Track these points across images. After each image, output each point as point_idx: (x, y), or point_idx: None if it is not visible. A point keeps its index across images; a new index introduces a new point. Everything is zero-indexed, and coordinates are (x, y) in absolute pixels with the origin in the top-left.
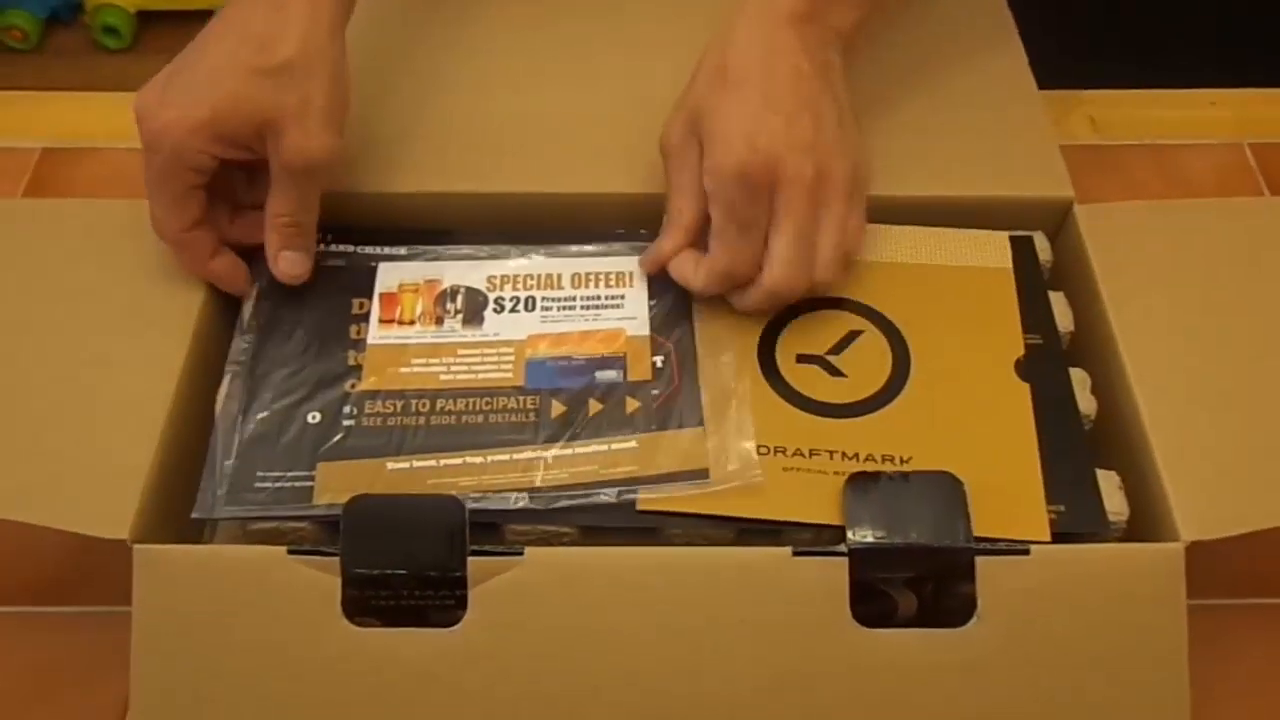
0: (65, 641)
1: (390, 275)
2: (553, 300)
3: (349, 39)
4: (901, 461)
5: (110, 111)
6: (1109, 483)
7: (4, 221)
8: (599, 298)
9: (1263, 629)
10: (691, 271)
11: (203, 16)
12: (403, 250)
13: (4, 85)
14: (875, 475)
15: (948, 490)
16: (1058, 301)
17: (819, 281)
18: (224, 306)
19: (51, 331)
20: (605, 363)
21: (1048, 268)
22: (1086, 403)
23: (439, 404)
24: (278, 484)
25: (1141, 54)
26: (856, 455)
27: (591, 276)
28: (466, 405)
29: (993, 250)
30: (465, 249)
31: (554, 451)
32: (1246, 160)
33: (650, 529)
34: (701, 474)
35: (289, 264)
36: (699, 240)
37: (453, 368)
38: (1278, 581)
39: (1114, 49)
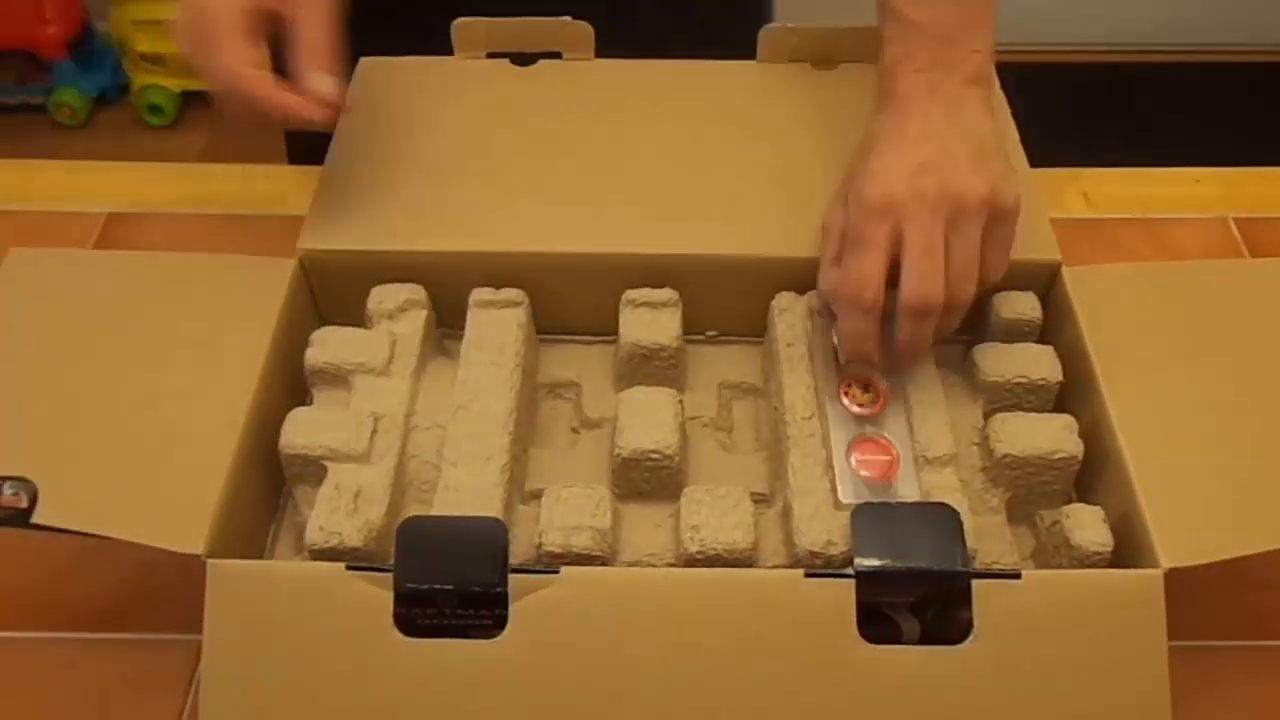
0: (120, 664)
1: None
2: None
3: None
4: None
5: (169, 180)
6: (1095, 517)
7: (81, 268)
8: None
9: (1254, 669)
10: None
11: None
12: None
13: (54, 159)
14: (881, 506)
15: (946, 520)
16: (1046, 353)
17: (954, 294)
18: (290, 341)
19: (129, 363)
20: None
21: (1038, 325)
22: (1074, 445)
23: None
24: None
25: (1133, 135)
26: None
27: None
28: None
29: None
30: None
31: None
32: (1231, 233)
33: None
34: None
35: (318, 82)
36: None
37: None
38: (1267, 624)
39: (1108, 130)
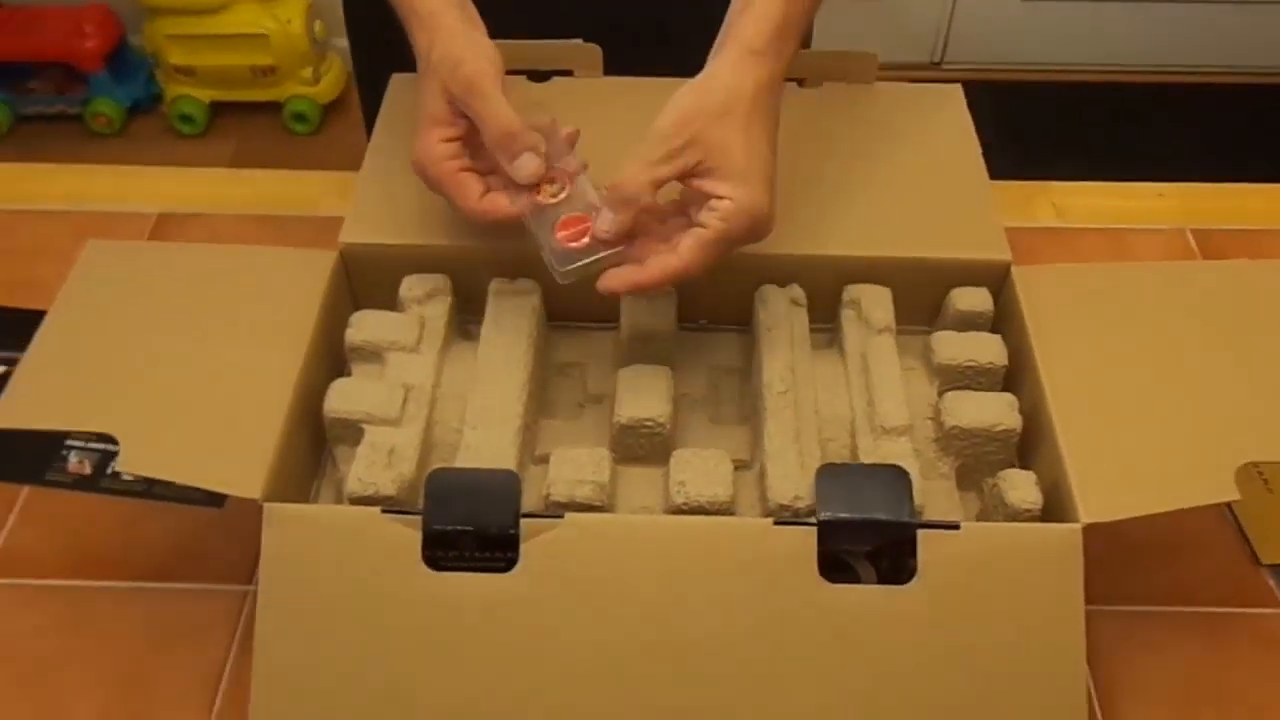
0: (173, 610)
1: None
2: None
3: None
4: None
5: (213, 184)
6: (1027, 479)
7: (148, 258)
8: None
9: (1185, 633)
10: None
11: (268, 107)
12: None
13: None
14: (842, 466)
15: (897, 479)
16: (994, 341)
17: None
18: (331, 322)
19: (192, 339)
20: None
21: (989, 316)
22: (1014, 419)
23: None
24: None
25: (1105, 149)
26: None
27: None
28: None
29: None
30: None
31: None
32: (1189, 244)
33: None
34: None
35: (522, 165)
36: None
37: None
38: (1199, 592)
39: (1080, 145)
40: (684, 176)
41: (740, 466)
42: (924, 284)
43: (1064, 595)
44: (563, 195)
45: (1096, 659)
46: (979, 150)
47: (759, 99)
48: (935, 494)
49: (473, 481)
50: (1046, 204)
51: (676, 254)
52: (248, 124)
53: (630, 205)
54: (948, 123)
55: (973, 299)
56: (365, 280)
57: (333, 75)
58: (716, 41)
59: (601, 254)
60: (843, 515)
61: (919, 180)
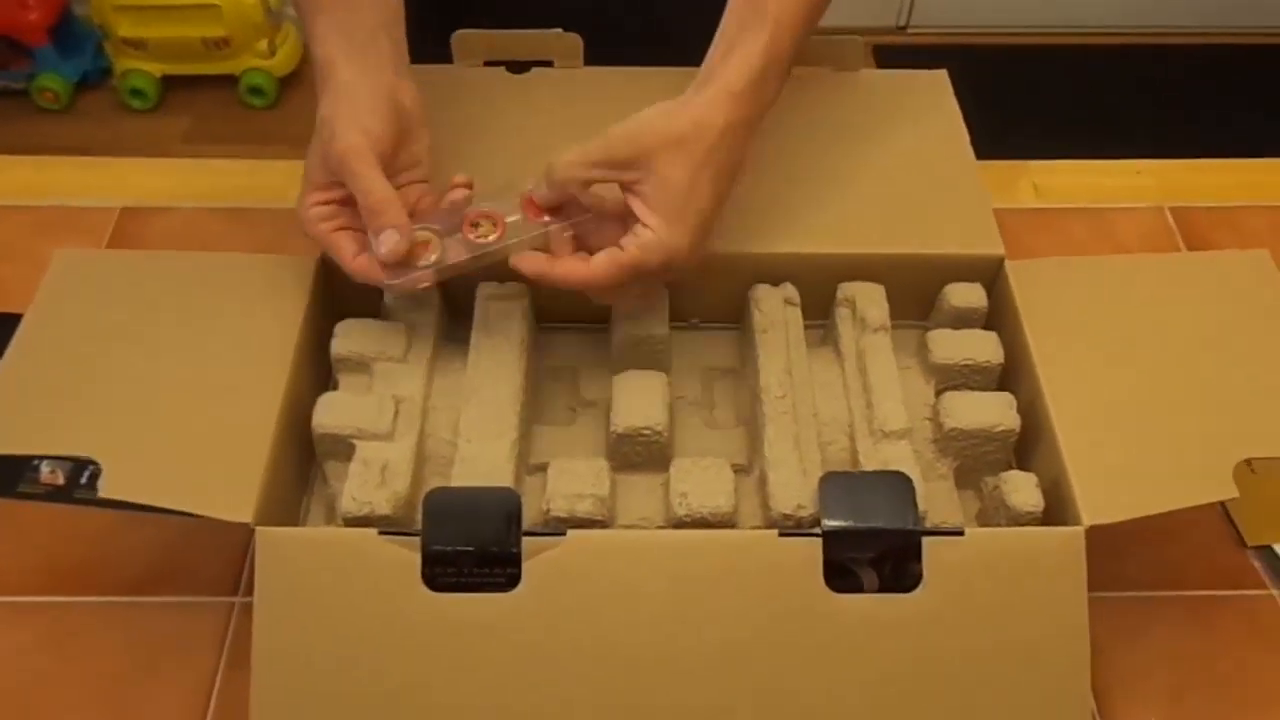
0: (160, 626)
1: None
2: None
3: None
4: None
5: (178, 175)
6: (1028, 482)
7: (121, 267)
8: None
9: (1175, 618)
10: None
11: (223, 80)
12: None
13: (37, 144)
14: (845, 475)
15: (901, 487)
16: (990, 339)
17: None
18: (316, 331)
19: (172, 355)
20: None
21: (984, 312)
22: (1013, 419)
23: None
24: None
25: (1085, 117)
26: None
27: None
28: None
29: None
30: None
31: None
32: (1167, 222)
33: None
34: None
35: (383, 242)
36: None
37: None
38: (1189, 576)
39: (1059, 113)
40: (623, 187)
41: (739, 470)
42: (917, 279)
43: (1068, 597)
44: (492, 237)
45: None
46: (967, 140)
47: (725, 139)
48: (935, 495)
49: (471, 501)
50: (1027, 184)
51: (588, 265)
52: (202, 98)
53: (555, 189)
54: (935, 110)
55: (967, 295)
56: (348, 286)
57: (289, 47)
58: (697, 79)
59: (495, 246)
60: (848, 524)
61: (909, 172)
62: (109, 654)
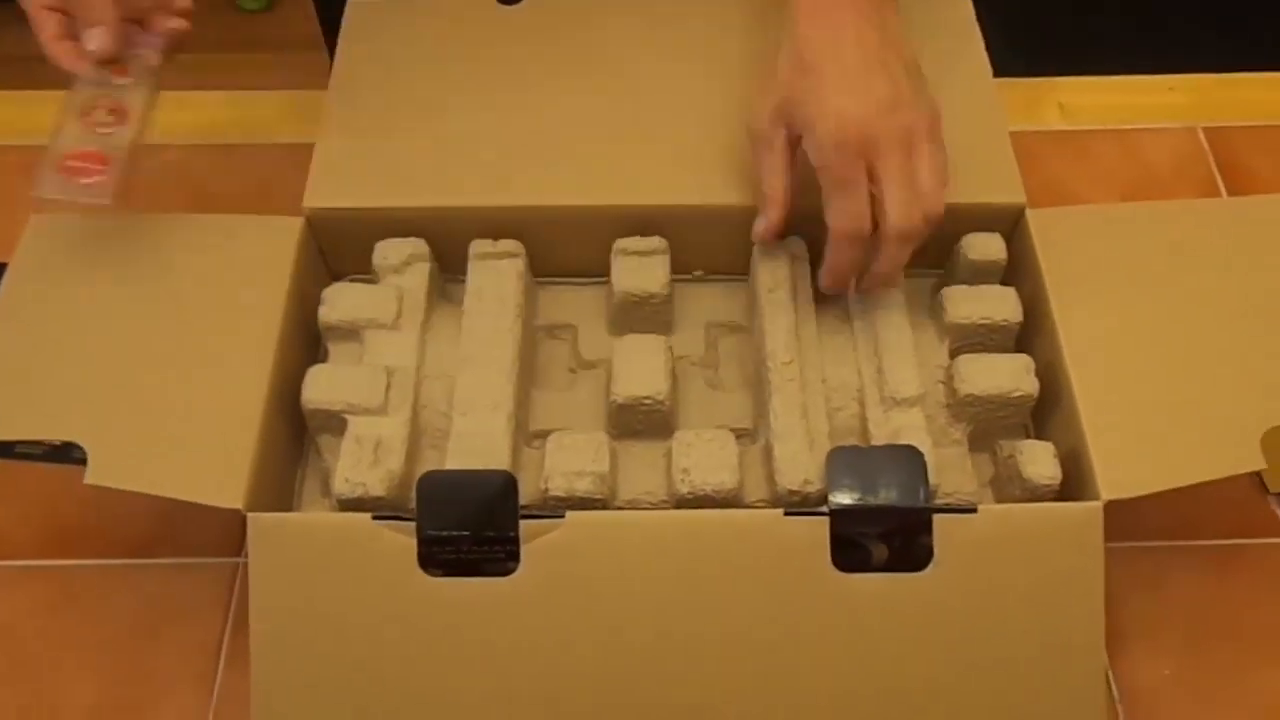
0: (161, 587)
1: None
2: None
3: None
4: None
5: (167, 108)
6: (1045, 452)
7: (98, 234)
8: None
9: (1190, 567)
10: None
11: None
12: None
13: (19, 51)
14: (854, 449)
15: (911, 461)
16: (1008, 296)
17: (929, 213)
18: (303, 296)
19: (153, 326)
20: None
21: (1002, 265)
22: (1030, 384)
23: None
24: None
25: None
26: None
27: None
28: None
29: None
30: None
31: None
32: (1200, 144)
33: None
34: None
35: (90, 38)
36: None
37: None
38: (1204, 525)
39: (1083, 36)
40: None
41: (742, 436)
42: None
43: (1084, 573)
44: (109, 131)
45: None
46: (989, 70)
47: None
48: (948, 463)
49: (467, 484)
50: (1053, 104)
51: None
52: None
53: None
54: (955, 37)
55: (986, 247)
56: (336, 248)
57: None
58: None
59: (84, 200)
60: (856, 500)
61: None
62: (115, 615)
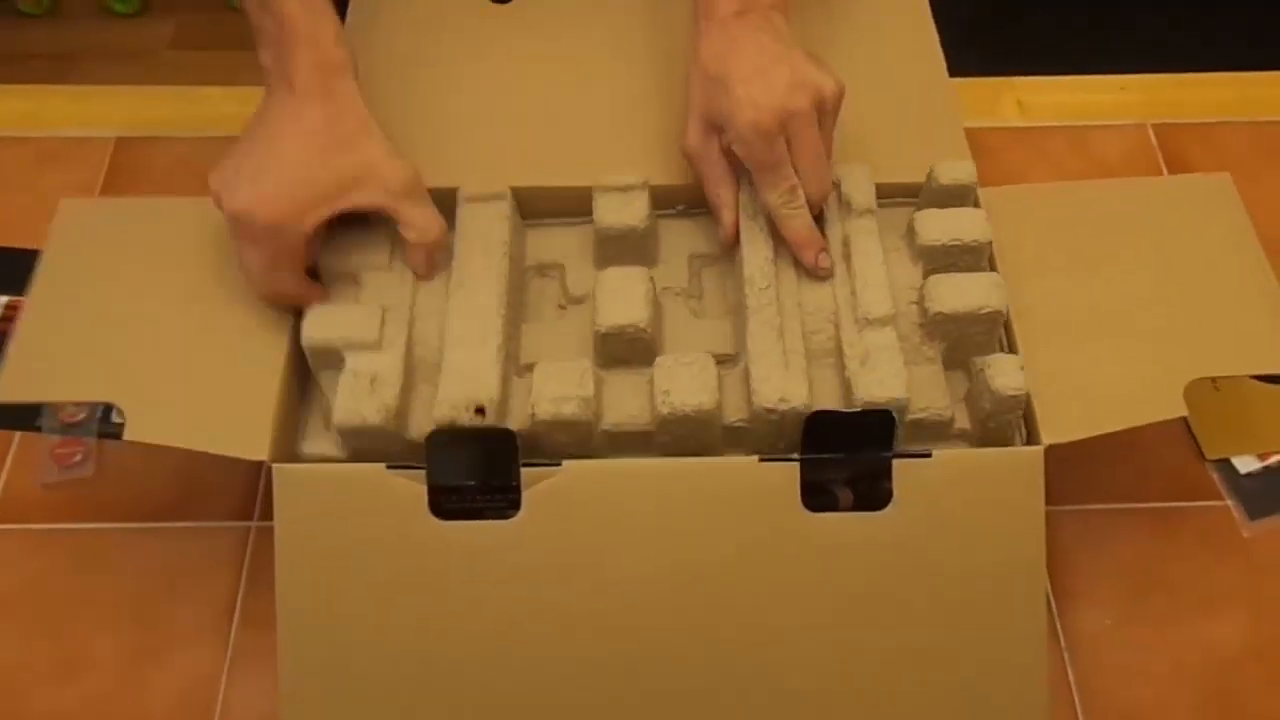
0: (178, 549)
1: None
2: None
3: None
4: None
5: (172, 103)
6: (1012, 364)
7: (126, 217)
8: None
9: (1133, 529)
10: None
11: None
12: None
13: (20, 50)
14: (832, 414)
15: (884, 426)
16: (977, 217)
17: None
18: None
19: (179, 300)
20: None
21: (973, 189)
22: (999, 299)
23: None
24: None
25: (1068, 42)
26: None
27: None
28: None
29: None
30: None
31: None
32: (1149, 140)
33: None
34: None
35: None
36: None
37: None
38: (1149, 488)
39: (1044, 37)
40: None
41: (724, 361)
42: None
43: (1026, 511)
44: None
45: (1051, 556)
46: (941, 57)
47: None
48: (923, 379)
49: (473, 440)
50: (1012, 101)
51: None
52: (187, 2)
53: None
54: (908, 25)
55: (955, 171)
56: None
57: None
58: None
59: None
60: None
61: (880, 95)
62: (134, 576)
